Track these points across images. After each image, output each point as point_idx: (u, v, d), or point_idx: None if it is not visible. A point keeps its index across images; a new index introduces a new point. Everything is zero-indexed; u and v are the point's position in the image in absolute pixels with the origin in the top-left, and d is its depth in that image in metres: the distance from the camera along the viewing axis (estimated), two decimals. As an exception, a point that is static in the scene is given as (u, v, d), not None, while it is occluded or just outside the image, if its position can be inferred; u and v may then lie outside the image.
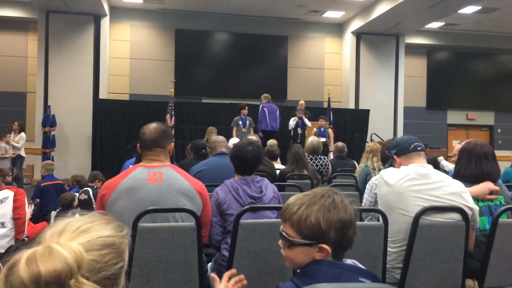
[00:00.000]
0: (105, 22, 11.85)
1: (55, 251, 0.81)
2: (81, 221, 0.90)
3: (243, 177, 2.68)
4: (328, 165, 5.76)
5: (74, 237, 0.85)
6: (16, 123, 10.18)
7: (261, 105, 9.72)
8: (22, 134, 10.11)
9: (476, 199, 2.60)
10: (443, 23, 13.19)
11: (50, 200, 6.36)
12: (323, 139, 9.02)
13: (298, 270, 1.38)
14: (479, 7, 11.63)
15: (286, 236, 1.34)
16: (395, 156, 2.67)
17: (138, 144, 2.48)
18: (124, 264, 0.90)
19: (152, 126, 2.44)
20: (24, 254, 0.80)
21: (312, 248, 1.31)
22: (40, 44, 11.36)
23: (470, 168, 2.73)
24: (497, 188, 2.68)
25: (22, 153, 10.05)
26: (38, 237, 0.86)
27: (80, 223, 0.89)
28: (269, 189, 2.70)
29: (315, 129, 9.51)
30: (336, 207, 1.32)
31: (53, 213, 5.58)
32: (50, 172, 6.78)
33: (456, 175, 2.78)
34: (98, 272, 0.84)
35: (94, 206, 5.28)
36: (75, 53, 11.46)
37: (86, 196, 5.65)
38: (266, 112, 9.56)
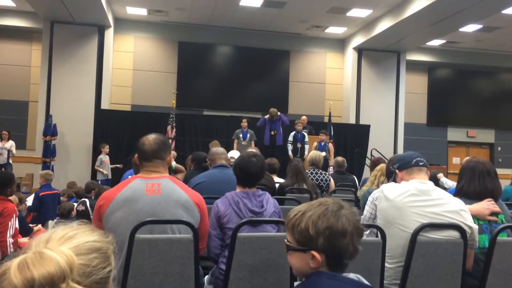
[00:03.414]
0: (109, 33, 11.94)
1: (46, 255, 0.81)
2: (66, 229, 0.91)
3: (244, 190, 2.67)
4: (329, 180, 5.75)
5: (61, 244, 0.86)
6: (6, 131, 10.29)
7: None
8: (12, 141, 10.31)
9: (477, 218, 2.60)
10: (444, 41, 13.28)
11: (47, 210, 6.36)
12: (323, 154, 9.02)
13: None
14: (480, 26, 11.73)
15: (286, 241, 1.41)
16: (397, 171, 2.68)
17: (136, 155, 2.47)
18: (111, 268, 0.90)
19: (152, 137, 2.43)
20: (14, 261, 0.81)
21: (306, 255, 1.35)
22: (44, 53, 11.44)
23: (473, 185, 2.73)
24: (498, 209, 2.66)
25: (11, 160, 10.18)
26: (24, 247, 0.87)
27: (65, 231, 0.90)
28: (270, 203, 2.68)
29: (315, 143, 9.52)
30: (327, 215, 1.34)
31: (51, 223, 5.56)
32: (48, 182, 6.80)
33: (459, 191, 2.78)
34: (89, 276, 0.84)
35: (91, 217, 5.26)
36: (79, 63, 11.53)
37: (83, 207, 5.66)
38: None
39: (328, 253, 1.33)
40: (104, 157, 10.20)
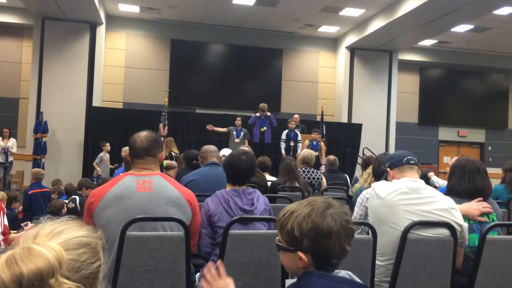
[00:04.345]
0: (101, 30, 11.86)
1: (35, 250, 0.81)
2: (53, 225, 0.90)
3: (234, 189, 2.66)
4: (321, 178, 5.77)
5: (49, 239, 0.85)
6: (7, 129, 10.25)
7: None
8: (13, 139, 10.25)
9: (467, 217, 2.61)
10: (436, 41, 13.37)
11: (37, 208, 6.32)
12: (316, 153, 9.05)
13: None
14: (472, 26, 11.82)
15: (276, 240, 1.42)
16: (388, 169, 2.69)
17: (128, 152, 2.46)
18: (101, 263, 0.90)
19: (143, 134, 2.42)
20: (2, 257, 0.80)
21: (294, 255, 1.35)
22: (35, 50, 11.34)
23: (464, 183, 2.75)
24: (488, 210, 2.68)
25: (12, 158, 10.19)
26: (12, 243, 0.86)
27: (53, 227, 0.89)
28: (261, 201, 2.68)
29: (307, 142, 9.54)
30: (312, 215, 1.33)
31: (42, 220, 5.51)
32: (38, 180, 6.77)
33: (449, 190, 2.79)
34: (78, 271, 0.84)
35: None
36: (70, 60, 11.45)
37: (73, 205, 5.64)
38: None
39: (314, 254, 1.33)
40: (105, 155, 10.11)
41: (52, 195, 6.97)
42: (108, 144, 10.24)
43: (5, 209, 4.10)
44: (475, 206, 2.66)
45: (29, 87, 11.43)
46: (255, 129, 9.75)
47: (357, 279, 1.42)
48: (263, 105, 9.75)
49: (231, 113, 10.88)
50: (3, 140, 10.14)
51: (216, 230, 2.53)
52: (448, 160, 14.64)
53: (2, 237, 3.80)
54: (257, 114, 9.71)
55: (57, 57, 11.35)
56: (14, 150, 10.24)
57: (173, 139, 9.38)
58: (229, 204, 2.55)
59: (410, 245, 2.32)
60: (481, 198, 2.71)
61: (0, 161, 10.02)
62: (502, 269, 2.45)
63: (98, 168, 9.98)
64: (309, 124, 11.19)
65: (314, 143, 9.50)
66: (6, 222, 3.93)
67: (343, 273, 1.41)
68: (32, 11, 11.15)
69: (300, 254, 1.33)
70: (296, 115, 10.42)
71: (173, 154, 9.05)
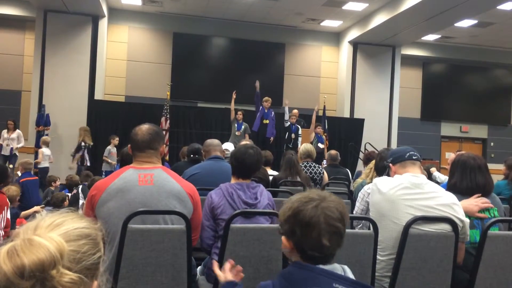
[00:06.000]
0: (103, 23, 11.84)
1: (36, 242, 0.80)
2: (53, 216, 0.90)
3: (239, 182, 2.66)
4: (322, 173, 5.76)
5: (49, 231, 0.85)
6: (12, 121, 10.21)
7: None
8: (19, 131, 10.21)
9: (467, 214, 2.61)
10: (439, 36, 13.30)
11: (31, 194, 6.40)
12: (322, 146, 9.14)
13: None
14: (475, 21, 11.75)
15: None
16: (390, 164, 2.69)
17: (129, 145, 2.45)
18: (101, 255, 0.90)
19: (145, 127, 2.41)
20: (3, 249, 0.80)
21: (284, 239, 1.43)
22: (37, 43, 11.33)
23: (466, 181, 2.74)
24: (487, 205, 2.67)
25: (17, 151, 10.14)
26: (12, 235, 0.86)
27: (53, 219, 0.89)
28: (264, 196, 2.68)
29: (313, 135, 9.63)
30: (297, 204, 1.39)
31: (37, 209, 5.51)
32: (28, 170, 6.85)
33: (452, 188, 2.78)
34: (79, 262, 0.84)
35: (80, 201, 5.32)
36: (72, 53, 11.43)
37: (75, 191, 5.72)
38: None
39: (294, 241, 1.38)
40: (113, 149, 10.10)
41: (50, 187, 7.03)
42: (117, 138, 10.19)
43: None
44: (474, 203, 2.66)
45: (31, 79, 11.42)
46: (257, 118, 9.75)
47: (350, 274, 1.39)
48: (267, 98, 9.86)
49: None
50: (8, 132, 10.11)
51: (218, 222, 2.54)
52: (450, 156, 14.60)
53: (3, 232, 3.80)
54: (264, 104, 9.84)
55: (59, 50, 11.34)
56: (22, 143, 10.16)
57: (88, 129, 9.09)
58: (232, 197, 2.56)
59: (411, 240, 2.32)
60: (480, 194, 2.71)
61: (4, 154, 9.98)
62: (503, 265, 2.45)
63: (110, 161, 9.94)
64: (310, 118, 11.17)
65: (319, 135, 9.60)
66: (8, 216, 3.94)
67: (336, 266, 1.39)
68: (34, 3, 11.12)
69: (283, 238, 1.40)
70: (295, 110, 10.40)
71: (85, 144, 8.92)
